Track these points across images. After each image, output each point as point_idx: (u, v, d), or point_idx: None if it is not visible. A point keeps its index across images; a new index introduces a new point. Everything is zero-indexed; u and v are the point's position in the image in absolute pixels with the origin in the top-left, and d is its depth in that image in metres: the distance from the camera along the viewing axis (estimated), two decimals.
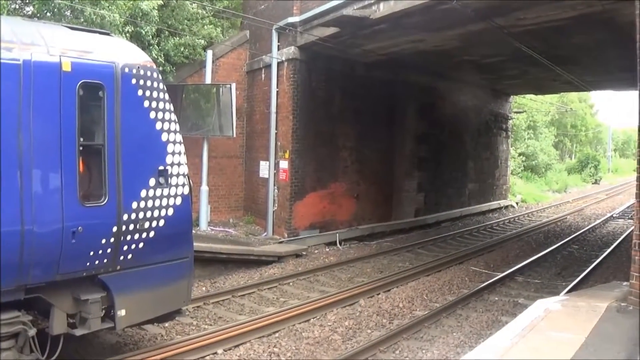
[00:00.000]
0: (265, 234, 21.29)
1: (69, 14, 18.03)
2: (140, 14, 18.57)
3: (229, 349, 10.95)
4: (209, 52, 21.21)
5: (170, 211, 9.52)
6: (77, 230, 8.22)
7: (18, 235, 7.64)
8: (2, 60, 7.64)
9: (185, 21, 21.96)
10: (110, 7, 17.51)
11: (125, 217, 8.83)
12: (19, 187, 7.69)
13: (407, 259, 19.94)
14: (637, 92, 9.28)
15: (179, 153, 9.73)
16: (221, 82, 21.48)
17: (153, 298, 9.61)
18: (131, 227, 8.92)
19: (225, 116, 20.40)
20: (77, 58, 8.51)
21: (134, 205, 8.96)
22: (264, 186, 22.05)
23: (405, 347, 11.47)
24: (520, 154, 48.20)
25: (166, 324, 11.81)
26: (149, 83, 9.31)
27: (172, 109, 9.74)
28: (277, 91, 21.24)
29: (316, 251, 20.53)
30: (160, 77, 9.64)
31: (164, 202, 9.43)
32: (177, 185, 9.63)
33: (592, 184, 61.33)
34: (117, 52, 9.20)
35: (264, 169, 21.94)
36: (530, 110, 50.19)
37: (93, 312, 8.64)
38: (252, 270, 17.47)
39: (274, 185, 21.34)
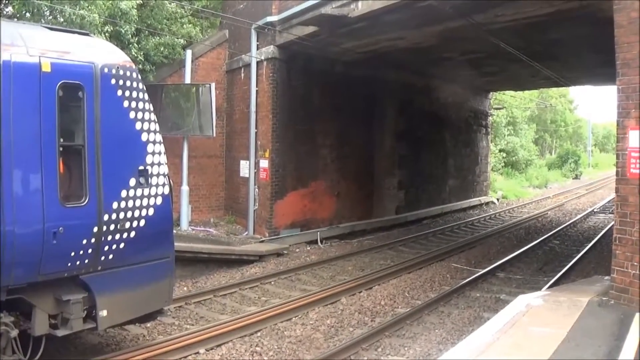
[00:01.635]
0: (246, 233, 21.24)
1: (48, 14, 17.94)
2: (120, 13, 18.49)
3: (211, 349, 10.93)
4: (188, 52, 21.15)
5: (151, 211, 9.53)
6: (58, 230, 8.21)
7: None
8: None
9: (165, 20, 21.88)
10: (89, 7, 17.42)
11: (105, 217, 8.84)
12: None
13: (388, 257, 19.93)
14: (616, 87, 9.34)
15: (159, 153, 9.75)
16: (201, 82, 21.43)
17: (135, 298, 9.60)
18: (112, 227, 8.92)
19: (205, 116, 20.36)
20: (56, 58, 8.49)
21: (115, 205, 8.97)
22: (244, 185, 22.00)
23: (387, 344, 11.47)
24: (500, 150, 48.29)
25: (148, 324, 11.76)
26: (128, 83, 9.31)
27: (151, 108, 9.75)
28: (257, 90, 21.19)
29: (297, 250, 20.52)
30: (139, 77, 9.65)
31: (145, 202, 9.43)
32: (157, 185, 9.64)
33: (573, 179, 61.58)
34: (96, 52, 9.21)
35: (245, 169, 21.89)
36: (510, 107, 50.34)
37: (75, 313, 8.63)
38: (233, 270, 17.44)
39: (255, 184, 21.29)
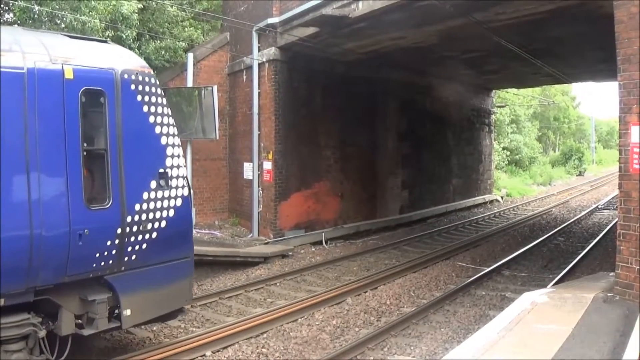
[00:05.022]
0: (250, 235, 21.26)
1: (48, 20, 17.97)
2: (121, 18, 18.53)
3: (218, 351, 10.95)
4: (190, 55, 21.18)
5: (171, 212, 9.80)
6: (84, 232, 8.46)
7: (27, 239, 7.87)
8: (7, 70, 7.85)
9: (166, 24, 21.94)
10: (90, 12, 17.45)
11: (128, 219, 9.09)
12: (27, 193, 7.92)
13: (393, 256, 19.94)
14: (618, 82, 9.35)
15: (178, 156, 10.02)
16: (203, 85, 21.43)
17: (156, 297, 9.88)
18: (134, 228, 9.19)
19: (208, 119, 20.36)
20: (78, 66, 8.72)
21: (137, 207, 9.23)
22: (248, 187, 22.02)
23: (393, 344, 11.48)
24: (504, 148, 48.21)
25: (154, 327, 11.82)
26: (147, 88, 9.56)
27: (169, 112, 10.02)
28: (259, 92, 21.21)
29: (302, 251, 20.52)
30: (157, 82, 9.89)
31: (165, 203, 9.70)
32: (176, 187, 9.91)
33: (577, 175, 61.41)
34: (116, 58, 9.47)
35: (248, 171, 21.91)
36: (513, 104, 50.28)
37: (100, 312, 8.92)
38: (238, 272, 17.45)
39: (258, 186, 21.31)
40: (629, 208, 9.08)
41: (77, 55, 8.91)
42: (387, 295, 14.96)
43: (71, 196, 8.39)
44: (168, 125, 9.90)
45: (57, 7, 17.48)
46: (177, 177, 9.95)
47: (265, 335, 11.88)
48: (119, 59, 9.50)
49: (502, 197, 38.57)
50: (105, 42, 10.40)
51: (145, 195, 9.38)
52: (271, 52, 20.69)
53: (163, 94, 10.01)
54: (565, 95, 74.95)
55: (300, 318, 13.06)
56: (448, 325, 12.60)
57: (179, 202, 9.94)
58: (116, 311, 9.29)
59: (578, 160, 63.90)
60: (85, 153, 8.65)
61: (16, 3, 17.41)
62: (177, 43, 21.72)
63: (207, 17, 24.44)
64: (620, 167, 9.41)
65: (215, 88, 20.43)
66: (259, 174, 21.28)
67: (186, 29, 23.13)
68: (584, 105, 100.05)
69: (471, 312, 13.48)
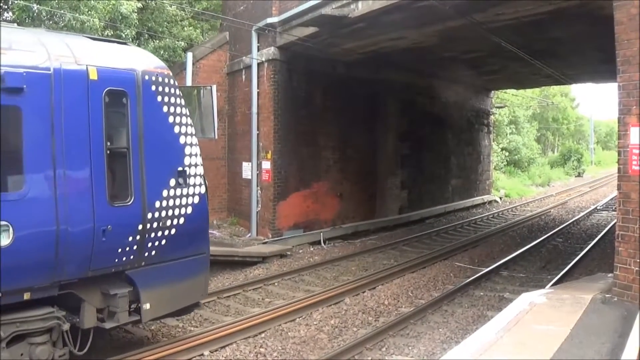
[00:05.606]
0: (249, 234, 21.26)
1: (47, 19, 17.96)
2: (120, 17, 18.52)
3: (215, 350, 10.94)
4: (189, 54, 21.14)
5: (189, 209, 10.13)
6: (107, 228, 8.80)
7: (54, 235, 8.19)
8: (33, 70, 8.15)
9: (165, 23, 21.95)
10: (89, 11, 17.44)
11: (149, 215, 9.43)
12: (53, 190, 8.23)
13: (391, 257, 19.94)
14: (617, 84, 9.34)
15: (195, 155, 10.37)
16: (202, 84, 21.42)
17: (174, 292, 10.25)
18: (155, 225, 9.54)
19: (207, 118, 20.19)
20: (102, 67, 9.01)
21: (157, 204, 9.57)
22: (247, 187, 22.02)
23: (391, 344, 11.48)
24: (502, 149, 48.21)
25: (152, 327, 11.83)
26: (166, 89, 9.89)
27: (187, 113, 10.36)
28: (258, 92, 21.21)
29: (300, 251, 20.52)
30: (175, 83, 10.23)
31: (184, 201, 10.03)
32: (194, 185, 10.25)
33: (576, 176, 61.50)
34: (136, 60, 9.80)
35: (247, 170, 21.90)
36: (512, 105, 50.30)
37: (121, 306, 9.30)
38: (236, 272, 17.44)
39: (257, 186, 21.31)
40: (628, 209, 9.08)
41: (99, 57, 9.20)
42: (386, 295, 14.95)
43: (95, 193, 8.70)
44: (186, 125, 10.22)
45: (56, 6, 17.47)
46: (195, 175, 10.28)
47: (263, 335, 11.87)
48: (139, 61, 9.81)
49: (500, 198, 38.59)
50: (124, 43, 10.83)
51: (164, 193, 9.72)
52: (270, 51, 20.69)
53: (181, 94, 10.30)
54: (564, 96, 74.99)
55: (299, 318, 13.04)
56: (446, 325, 12.60)
57: (196, 199, 10.26)
58: (134, 305, 9.66)
59: (577, 161, 64.00)
60: (108, 152, 8.94)
61: (15, 2, 17.41)
62: (176, 42, 21.73)
63: (206, 17, 24.47)
64: (619, 169, 9.41)
65: (214, 87, 20.26)
66: (257, 174, 21.28)
67: (185, 28, 23.14)
68: (583, 106, 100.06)
69: (469, 312, 13.48)
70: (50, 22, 17.94)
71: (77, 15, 17.23)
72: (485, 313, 13.29)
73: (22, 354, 8.38)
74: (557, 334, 7.75)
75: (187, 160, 10.18)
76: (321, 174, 22.66)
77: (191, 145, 10.30)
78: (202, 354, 10.71)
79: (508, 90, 43.61)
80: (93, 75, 8.82)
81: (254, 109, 21.16)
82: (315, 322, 12.76)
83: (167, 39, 21.42)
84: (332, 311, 13.59)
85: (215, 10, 25.73)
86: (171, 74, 10.29)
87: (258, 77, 21.21)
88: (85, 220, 8.58)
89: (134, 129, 9.36)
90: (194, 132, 10.46)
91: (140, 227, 9.30)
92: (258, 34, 21.17)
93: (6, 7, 18.68)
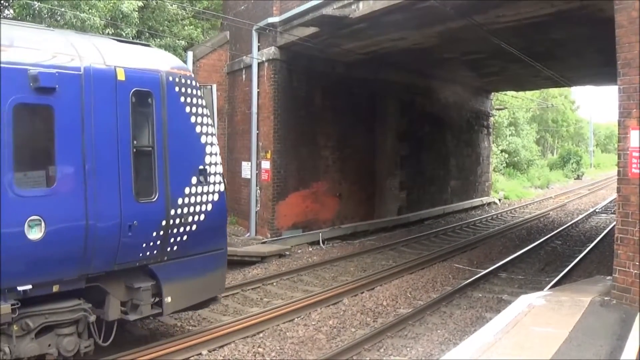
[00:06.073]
0: (248, 234, 21.27)
1: (48, 17, 17.96)
2: (121, 16, 18.52)
3: (214, 350, 10.93)
4: (190, 54, 21.08)
5: (209, 206, 10.58)
6: (133, 224, 9.22)
7: (83, 229, 8.59)
8: (66, 71, 8.52)
9: (166, 22, 21.94)
10: (90, 10, 17.44)
11: (172, 212, 9.87)
12: (83, 186, 8.61)
13: (390, 257, 19.94)
14: (617, 86, 9.34)
15: (215, 154, 10.84)
16: (202, 83, 21.42)
17: (194, 286, 10.70)
18: (177, 221, 9.97)
19: None
20: (129, 68, 9.42)
21: (179, 201, 10.02)
22: (246, 187, 22.02)
23: (389, 345, 11.47)
24: (502, 151, 48.23)
25: (150, 325, 11.86)
26: (188, 90, 10.35)
27: (208, 113, 10.83)
28: (258, 92, 21.23)
29: (299, 251, 20.52)
30: (197, 84, 10.71)
31: (204, 198, 10.48)
32: (214, 183, 10.73)
33: (575, 179, 61.55)
34: (160, 62, 10.22)
35: (246, 170, 21.91)
36: (512, 107, 50.30)
37: (145, 299, 9.71)
38: (235, 271, 17.41)
39: (257, 185, 21.31)
40: (627, 212, 9.08)
41: (126, 58, 9.57)
42: (384, 296, 14.95)
43: (122, 190, 9.10)
44: (207, 125, 10.68)
45: (57, 4, 17.47)
46: (215, 173, 10.74)
47: (261, 335, 11.86)
48: (163, 62, 10.22)
49: (499, 200, 38.62)
50: (148, 45, 11.26)
51: (187, 190, 10.14)
52: (271, 51, 20.69)
53: (202, 95, 10.73)
54: (563, 97, 74.99)
55: (297, 318, 13.03)
56: (444, 327, 12.59)
57: (216, 197, 10.70)
58: (155, 299, 10.01)
59: (576, 164, 64.02)
60: (134, 150, 9.34)
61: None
62: (177, 41, 21.73)
63: (207, 16, 24.48)
64: (619, 171, 9.41)
65: (214, 86, 20.27)
66: (257, 174, 21.29)
67: (186, 27, 23.15)
68: (582, 108, 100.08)
69: (468, 314, 13.47)
70: (51, 20, 17.93)
71: (77, 13, 17.23)
72: (483, 315, 13.28)
73: (49, 345, 8.67)
74: (556, 336, 7.75)
75: (207, 159, 10.59)
76: (320, 174, 22.67)
77: (211, 144, 10.71)
78: (200, 353, 10.70)
79: (508, 92, 43.62)
80: (121, 76, 9.17)
81: (254, 109, 21.17)
82: (313, 323, 12.76)
83: (168, 38, 21.42)
84: (331, 311, 13.59)
85: (216, 10, 25.75)
86: (193, 75, 10.76)
87: (258, 77, 21.22)
88: (112, 215, 8.97)
89: (158, 128, 9.74)
90: (214, 132, 10.86)
91: (163, 222, 9.71)
92: (258, 33, 21.18)
93: (7, 4, 18.68)
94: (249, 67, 21.73)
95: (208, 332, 11.47)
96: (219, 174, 10.85)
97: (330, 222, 23.04)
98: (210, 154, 10.69)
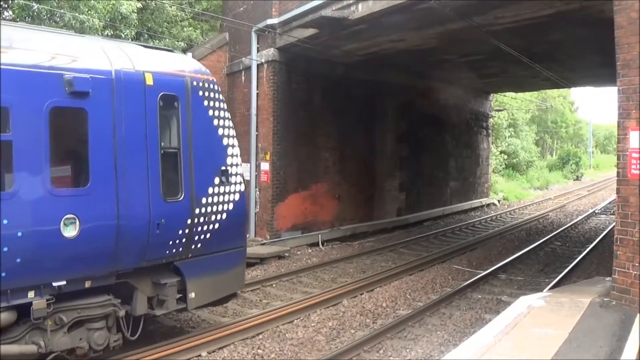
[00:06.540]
0: (247, 235, 21.20)
1: (47, 18, 17.96)
2: (120, 17, 18.54)
3: (213, 351, 10.94)
4: (189, 55, 21.17)
5: (231, 206, 11.08)
6: (161, 222, 9.64)
7: (115, 227, 9.01)
8: (98, 75, 8.92)
9: (165, 24, 21.96)
10: (89, 11, 17.46)
11: (197, 211, 10.31)
12: (115, 186, 9.02)
13: (389, 259, 19.95)
14: (617, 87, 9.34)
15: (236, 155, 11.39)
16: None
17: (216, 282, 11.13)
18: (201, 219, 10.41)
19: None
20: (156, 73, 9.85)
21: (203, 200, 10.47)
22: (245, 188, 21.94)
23: (389, 346, 11.46)
24: (501, 152, 48.20)
25: (150, 327, 11.80)
26: (211, 94, 10.85)
27: (229, 116, 11.39)
28: (257, 93, 21.21)
29: (299, 252, 20.52)
30: (219, 88, 11.23)
31: (226, 197, 10.97)
32: (235, 183, 11.24)
33: (574, 180, 61.58)
34: (185, 67, 10.68)
35: (245, 171, 21.79)
36: (511, 108, 50.31)
37: (171, 295, 10.16)
38: None
39: (256, 187, 21.30)
40: (627, 213, 9.08)
41: (153, 63, 10.00)
42: (383, 297, 14.95)
43: (151, 190, 9.51)
44: (228, 127, 11.23)
45: (56, 5, 17.48)
46: (236, 174, 11.27)
47: (261, 337, 11.86)
48: (187, 67, 10.68)
49: (499, 201, 38.63)
50: (171, 51, 11.74)
51: (210, 190, 10.62)
52: (270, 53, 20.69)
53: (224, 99, 11.27)
54: (562, 98, 74.98)
55: (296, 319, 13.03)
56: (444, 328, 12.59)
57: (237, 196, 11.23)
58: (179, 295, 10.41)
59: (575, 165, 64.05)
60: (162, 152, 9.77)
61: (15, 1, 17.41)
62: (176, 43, 21.77)
63: (206, 17, 24.47)
64: (618, 172, 9.40)
65: None
66: (256, 175, 21.28)
67: (185, 28, 23.16)
68: (582, 110, 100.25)
69: (467, 315, 13.47)
70: (50, 22, 17.93)
71: (77, 14, 17.24)
72: (483, 316, 13.28)
73: (80, 339, 9.03)
74: (556, 337, 7.74)
75: (229, 160, 11.13)
76: (320, 175, 22.66)
77: (232, 146, 11.27)
78: (200, 355, 10.71)
79: (507, 93, 43.63)
80: (149, 81, 9.59)
81: (253, 110, 21.15)
82: (313, 324, 12.76)
83: (167, 39, 21.43)
84: (330, 313, 13.59)
85: (215, 11, 25.75)
86: (215, 79, 11.17)
87: (257, 78, 21.21)
88: (142, 214, 9.36)
89: (184, 131, 10.18)
90: (234, 134, 11.40)
91: (189, 221, 10.15)
92: (258, 35, 21.16)
93: (6, 5, 18.68)
94: (248, 68, 21.71)
95: (207, 333, 11.47)
96: (240, 174, 11.40)
97: (329, 224, 23.04)
98: (232, 155, 11.20)
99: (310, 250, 21.11)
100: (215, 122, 10.90)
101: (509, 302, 11.87)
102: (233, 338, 11.52)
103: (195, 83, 10.46)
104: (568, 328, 8.11)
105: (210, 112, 10.79)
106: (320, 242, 21.89)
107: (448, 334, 12.10)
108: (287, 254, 19.69)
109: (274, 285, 16.25)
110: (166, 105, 9.93)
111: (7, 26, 8.82)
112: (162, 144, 9.80)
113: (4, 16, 18.59)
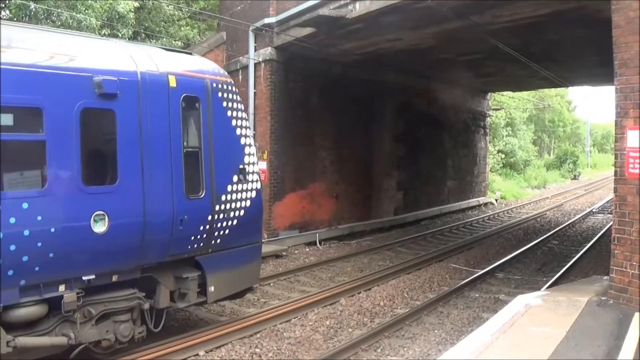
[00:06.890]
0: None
1: (45, 18, 17.95)
2: (117, 16, 18.54)
3: (211, 350, 10.89)
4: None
5: (248, 203, 11.48)
6: (184, 218, 10.00)
7: (141, 223, 9.35)
8: (125, 77, 9.25)
9: (162, 23, 21.96)
10: (86, 10, 17.45)
11: (217, 207, 10.72)
12: (141, 184, 9.37)
13: (387, 258, 19.93)
14: (614, 86, 9.35)
15: (253, 154, 11.77)
16: None
17: (234, 276, 11.55)
18: (221, 216, 10.83)
19: None
20: (178, 75, 10.21)
21: (223, 197, 10.89)
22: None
23: (386, 345, 11.45)
24: (499, 151, 48.21)
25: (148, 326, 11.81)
26: (229, 96, 11.21)
27: (246, 116, 11.78)
28: (255, 92, 21.20)
29: (296, 251, 20.51)
30: (236, 90, 11.55)
31: (244, 195, 11.37)
32: (252, 181, 11.63)
33: (571, 179, 61.65)
34: (204, 69, 11.05)
35: None
36: (508, 107, 50.33)
37: (192, 288, 10.55)
38: None
39: None
40: (624, 212, 9.10)
41: (175, 66, 10.32)
42: (381, 296, 14.94)
43: (175, 187, 9.88)
44: (246, 127, 11.60)
45: (53, 4, 17.47)
46: (253, 172, 11.64)
47: (258, 335, 11.83)
48: (206, 69, 11.04)
49: (496, 200, 38.66)
50: (190, 54, 11.86)
51: (229, 188, 11.03)
52: (267, 52, 20.69)
53: (241, 100, 11.58)
54: (560, 97, 75.03)
55: (294, 318, 13.00)
56: (441, 327, 12.58)
57: (253, 194, 11.61)
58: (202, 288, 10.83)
59: (573, 164, 64.12)
60: (184, 151, 10.15)
61: (12, 0, 17.40)
62: (173, 42, 21.75)
63: (203, 17, 24.45)
64: (615, 172, 9.43)
65: None
66: None
67: (182, 28, 23.15)
68: (579, 109, 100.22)
69: (465, 314, 13.46)
70: (47, 21, 17.91)
71: (74, 14, 17.23)
72: (480, 315, 13.27)
73: (107, 331, 9.36)
74: (553, 336, 7.75)
75: (246, 159, 11.52)
76: (317, 174, 22.66)
77: (249, 145, 11.66)
78: (198, 354, 10.67)
79: (504, 93, 43.65)
80: (172, 83, 9.96)
81: (251, 109, 21.10)
82: (310, 323, 12.73)
83: (164, 39, 21.42)
84: (328, 312, 13.57)
85: (212, 10, 25.72)
86: (232, 81, 11.54)
87: (255, 78, 21.20)
88: (166, 211, 9.72)
89: (204, 131, 10.58)
90: (251, 134, 11.91)
91: (209, 217, 10.55)
92: (255, 34, 21.16)
93: (3, 5, 18.66)
94: (245, 67, 21.70)
95: (205, 332, 11.42)
96: (257, 172, 11.79)
97: (327, 223, 23.04)
98: (249, 154, 11.58)
99: (307, 249, 21.10)
100: (234, 122, 11.26)
101: (507, 301, 11.88)
102: (231, 337, 11.48)
103: (214, 85, 10.83)
104: (566, 327, 8.13)
105: (229, 113, 11.16)
106: (317, 241, 21.89)
107: (446, 333, 12.09)
108: (284, 253, 19.67)
109: (271, 284, 16.23)
110: (188, 106, 10.28)
111: (45, 31, 9.40)
112: (185, 143, 10.19)
113: (1, 16, 18.57)
